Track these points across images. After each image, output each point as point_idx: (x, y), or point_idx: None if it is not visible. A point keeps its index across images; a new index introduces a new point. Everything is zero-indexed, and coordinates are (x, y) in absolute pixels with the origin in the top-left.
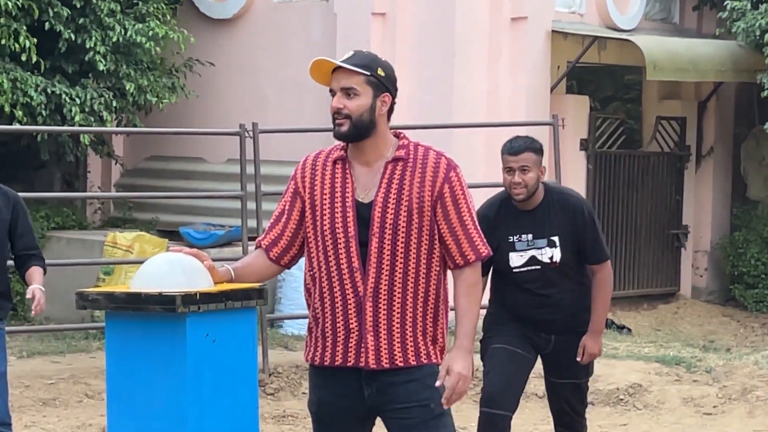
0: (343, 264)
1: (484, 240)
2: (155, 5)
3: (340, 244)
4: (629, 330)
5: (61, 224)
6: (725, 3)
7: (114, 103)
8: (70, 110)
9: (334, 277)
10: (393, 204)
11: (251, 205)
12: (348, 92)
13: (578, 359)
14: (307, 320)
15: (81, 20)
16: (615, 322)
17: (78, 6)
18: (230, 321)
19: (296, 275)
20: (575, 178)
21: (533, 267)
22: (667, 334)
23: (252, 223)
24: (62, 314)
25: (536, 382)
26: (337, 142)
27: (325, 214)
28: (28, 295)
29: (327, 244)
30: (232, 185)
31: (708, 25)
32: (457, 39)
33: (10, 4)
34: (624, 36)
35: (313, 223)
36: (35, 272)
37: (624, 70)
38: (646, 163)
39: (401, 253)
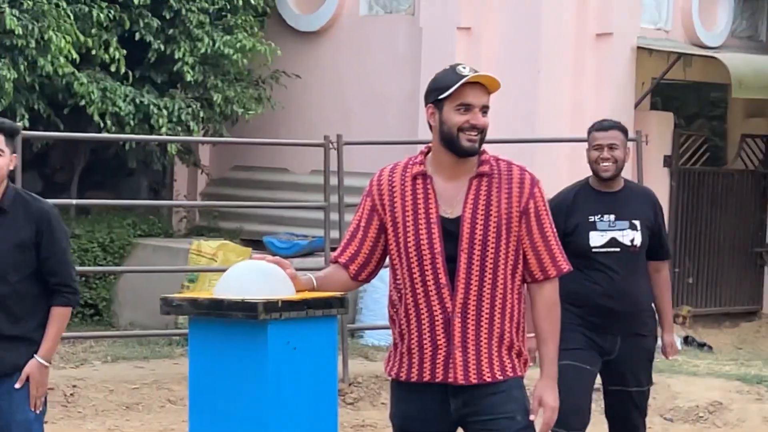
0: (429, 280)
1: (565, 256)
2: (243, 18)
3: (426, 260)
4: (710, 347)
5: (147, 232)
6: None
7: (201, 114)
8: (158, 120)
9: (419, 293)
10: (482, 219)
11: (334, 216)
12: (485, 110)
13: (668, 357)
14: (387, 331)
15: (170, 31)
16: (696, 339)
17: (168, 17)
18: (311, 329)
19: (377, 286)
20: (658, 195)
21: (613, 249)
22: (749, 353)
23: (335, 233)
24: (147, 320)
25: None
26: (409, 155)
27: (409, 231)
28: (22, 376)
29: (411, 260)
30: (315, 196)
31: None
32: (542, 54)
33: (102, 15)
34: (710, 53)
35: (396, 239)
36: (51, 322)
37: (709, 87)
38: (730, 181)
39: (490, 268)
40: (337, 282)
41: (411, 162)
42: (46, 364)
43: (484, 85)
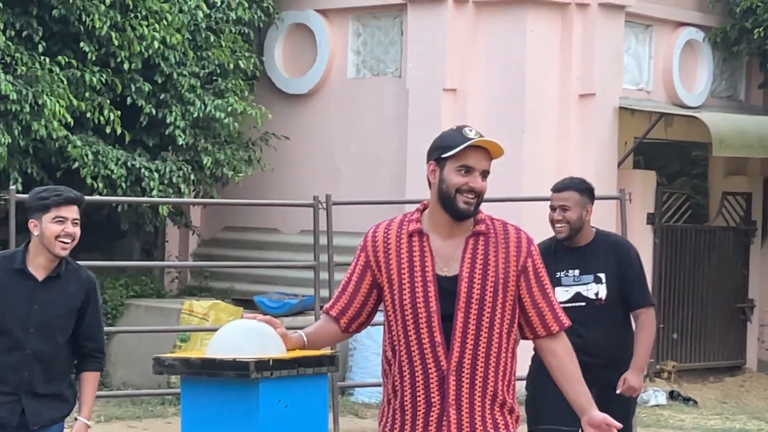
0: (424, 338)
1: (563, 311)
2: (234, 81)
3: (422, 318)
4: (695, 402)
5: (139, 292)
6: None
7: (192, 176)
8: (150, 182)
9: (414, 350)
10: (479, 278)
11: (324, 275)
12: (485, 175)
13: (618, 391)
14: (378, 388)
15: (162, 95)
16: (681, 394)
17: (159, 81)
18: (302, 387)
19: (367, 344)
20: (642, 252)
21: (578, 303)
22: (734, 407)
23: (325, 292)
24: (139, 380)
25: None
26: (403, 212)
27: (405, 288)
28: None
29: (407, 318)
30: (305, 255)
31: None
32: (526, 114)
33: (94, 79)
34: (690, 113)
35: (392, 297)
36: (87, 386)
37: (690, 146)
38: (712, 238)
39: (486, 327)
40: (327, 335)
41: (407, 219)
42: (89, 424)
43: (488, 150)
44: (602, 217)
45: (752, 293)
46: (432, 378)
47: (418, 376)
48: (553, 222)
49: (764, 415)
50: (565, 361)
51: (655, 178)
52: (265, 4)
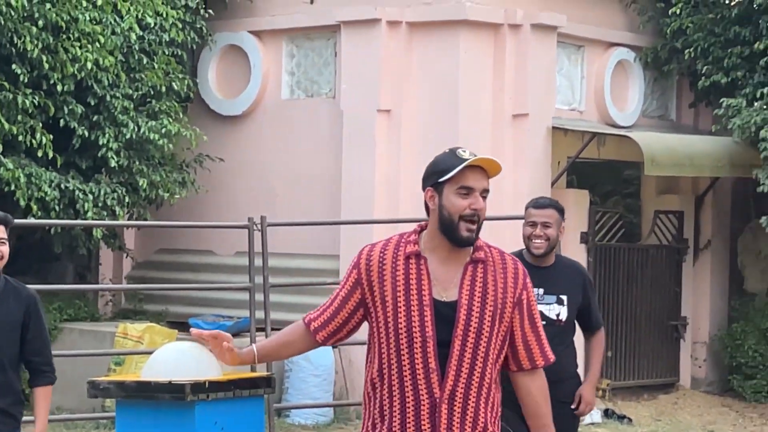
0: (418, 364)
1: (549, 346)
2: (167, 103)
3: (416, 343)
4: (630, 420)
5: (73, 316)
6: (721, 100)
7: (126, 198)
8: (83, 205)
9: (406, 376)
10: (478, 306)
11: (259, 297)
12: (485, 194)
13: (576, 408)
14: (313, 410)
15: (95, 117)
16: (616, 411)
17: (92, 103)
18: (238, 409)
19: (303, 365)
20: None
21: None
22: (667, 425)
23: (260, 314)
24: (74, 404)
25: None
26: (397, 233)
27: (400, 311)
28: None
29: (401, 342)
30: (240, 277)
31: (704, 122)
32: (460, 135)
33: (27, 101)
34: (622, 132)
35: (384, 319)
36: (39, 401)
37: (623, 165)
38: (645, 256)
39: (481, 356)
40: (291, 347)
41: (404, 240)
42: None
43: (485, 169)
44: None
45: (685, 311)
46: (423, 405)
47: (408, 403)
48: (531, 237)
49: None
50: (540, 406)
51: (588, 197)
52: (198, 26)
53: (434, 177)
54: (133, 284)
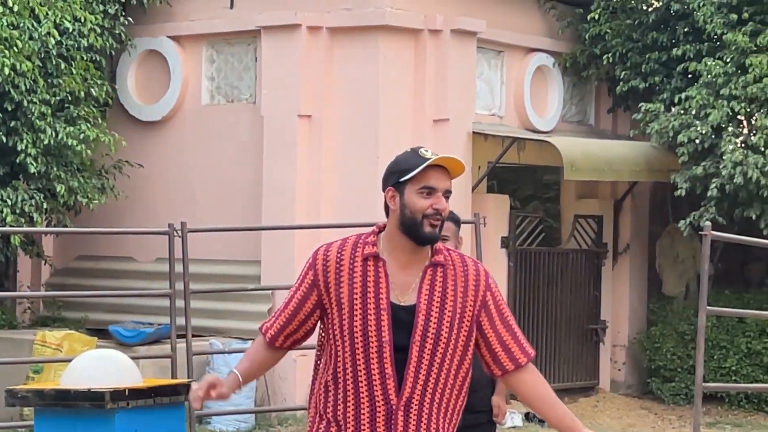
0: (374, 369)
1: (526, 341)
2: (86, 109)
3: (372, 348)
4: None
5: None
6: (639, 105)
7: (44, 204)
8: (1, 211)
9: (362, 381)
10: (436, 311)
11: (180, 303)
12: (447, 195)
13: (497, 417)
14: (235, 416)
15: (12, 123)
16: (537, 415)
17: (9, 109)
18: (159, 417)
19: (224, 372)
20: (497, 275)
21: None
22: (588, 427)
23: (181, 320)
24: None
25: None
26: (353, 233)
27: (356, 315)
28: None
29: (357, 346)
30: (161, 283)
31: (623, 127)
32: (381, 139)
33: None
34: (542, 137)
35: (340, 321)
36: None
37: (543, 170)
38: (565, 260)
39: (438, 362)
40: (263, 363)
41: (362, 241)
42: None
43: (447, 169)
44: None
45: (604, 314)
46: (379, 412)
47: (364, 409)
48: None
49: None
50: (538, 387)
51: (508, 202)
52: (117, 31)
53: (395, 176)
54: (52, 291)
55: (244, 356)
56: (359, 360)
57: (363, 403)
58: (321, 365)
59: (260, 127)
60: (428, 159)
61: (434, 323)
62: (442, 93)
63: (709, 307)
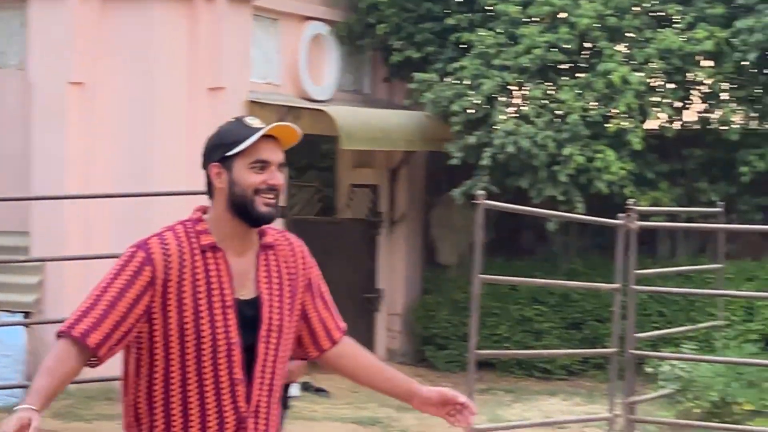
0: (222, 375)
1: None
2: None
3: (221, 351)
4: (327, 392)
5: None
6: (413, 75)
7: None
8: None
9: (208, 391)
10: (277, 301)
11: None
12: (282, 168)
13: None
14: (3, 391)
15: None
16: (313, 384)
17: None
18: None
19: None
20: None
21: None
22: (364, 396)
23: None
24: None
25: None
26: (181, 218)
27: (203, 316)
28: None
29: (204, 351)
30: None
31: (398, 97)
32: (156, 108)
33: None
34: (318, 106)
35: (179, 326)
36: None
37: (320, 139)
38: (341, 230)
39: (282, 357)
40: (68, 377)
41: (194, 230)
42: None
43: (278, 139)
44: None
45: (380, 283)
46: (228, 422)
47: (210, 422)
48: None
49: (393, 402)
50: (359, 357)
51: (285, 171)
52: None
53: (221, 150)
54: None
55: (44, 371)
56: (205, 367)
57: (209, 415)
58: (135, 381)
59: (29, 94)
60: (258, 129)
61: (277, 315)
62: (217, 61)
63: (482, 276)
